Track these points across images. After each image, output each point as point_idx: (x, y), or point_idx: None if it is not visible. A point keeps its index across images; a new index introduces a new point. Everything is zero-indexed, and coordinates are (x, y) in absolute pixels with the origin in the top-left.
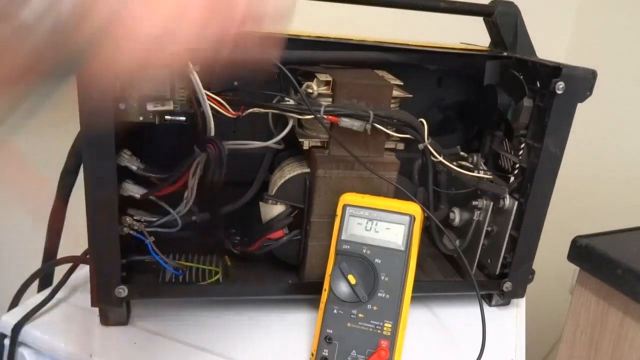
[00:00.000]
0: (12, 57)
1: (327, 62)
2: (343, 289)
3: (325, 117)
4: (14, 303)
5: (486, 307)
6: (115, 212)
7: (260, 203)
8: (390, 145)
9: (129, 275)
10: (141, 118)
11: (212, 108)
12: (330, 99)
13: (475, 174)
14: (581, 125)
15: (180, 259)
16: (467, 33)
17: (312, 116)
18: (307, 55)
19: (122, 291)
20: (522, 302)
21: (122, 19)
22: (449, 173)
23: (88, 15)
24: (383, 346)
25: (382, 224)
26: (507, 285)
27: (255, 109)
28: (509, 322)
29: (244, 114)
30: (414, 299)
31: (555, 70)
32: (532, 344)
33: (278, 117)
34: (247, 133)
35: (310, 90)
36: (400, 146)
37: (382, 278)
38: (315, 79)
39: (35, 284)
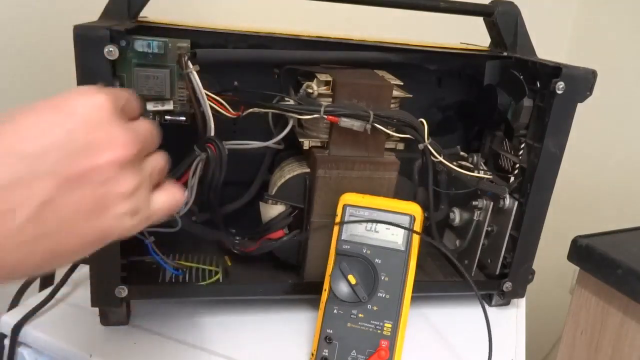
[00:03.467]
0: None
1: (327, 62)
2: (343, 289)
3: (326, 117)
4: (14, 303)
5: (486, 307)
6: None
7: (260, 203)
8: (390, 145)
9: (129, 275)
10: None
11: (212, 108)
12: (330, 99)
13: (475, 174)
14: (581, 125)
15: (180, 259)
16: (467, 33)
17: (312, 116)
18: (307, 55)
19: (122, 291)
20: (522, 302)
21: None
22: (449, 173)
23: None
24: (383, 346)
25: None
26: (507, 285)
27: (255, 109)
28: (509, 322)
29: (244, 114)
30: (414, 299)
31: (555, 70)
32: (532, 344)
33: (278, 117)
34: (247, 133)
35: (311, 90)
36: (400, 146)
37: (382, 278)
38: (315, 79)
39: (36, 284)
